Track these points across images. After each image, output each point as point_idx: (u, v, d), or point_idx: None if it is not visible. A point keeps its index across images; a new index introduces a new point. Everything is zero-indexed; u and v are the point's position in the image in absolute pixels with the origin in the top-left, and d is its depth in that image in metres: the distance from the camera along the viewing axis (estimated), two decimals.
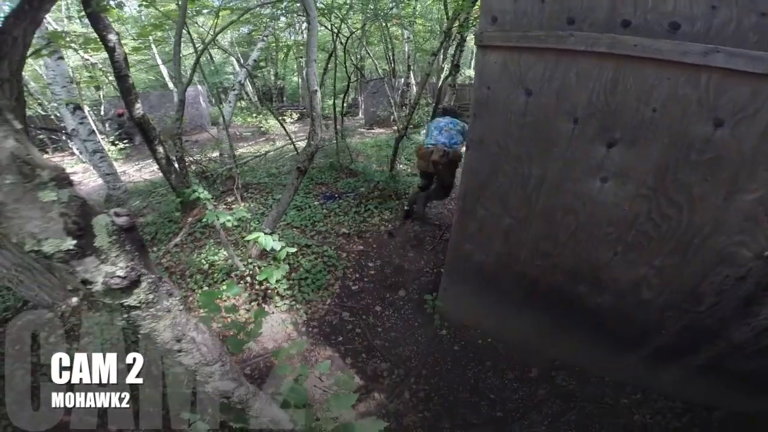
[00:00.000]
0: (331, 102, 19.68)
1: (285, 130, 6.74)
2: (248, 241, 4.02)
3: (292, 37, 13.02)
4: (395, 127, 12.20)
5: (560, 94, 2.17)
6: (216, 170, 6.57)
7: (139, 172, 8.52)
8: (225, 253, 4.20)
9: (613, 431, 2.52)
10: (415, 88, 11.59)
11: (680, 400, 2.57)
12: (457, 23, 5.98)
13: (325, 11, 6.18)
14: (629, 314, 2.49)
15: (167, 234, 4.61)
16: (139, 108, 4.52)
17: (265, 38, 7.66)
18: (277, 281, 3.64)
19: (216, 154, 7.66)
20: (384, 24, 7.92)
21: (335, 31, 6.79)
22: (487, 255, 2.99)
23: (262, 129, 11.64)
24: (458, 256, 3.19)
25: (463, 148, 4.08)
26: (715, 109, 1.79)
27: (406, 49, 11.60)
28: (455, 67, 6.78)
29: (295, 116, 11.70)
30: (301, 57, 15.32)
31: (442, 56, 11.93)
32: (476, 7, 5.81)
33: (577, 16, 1.95)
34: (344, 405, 1.80)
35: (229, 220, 3.40)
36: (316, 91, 3.72)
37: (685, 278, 2.17)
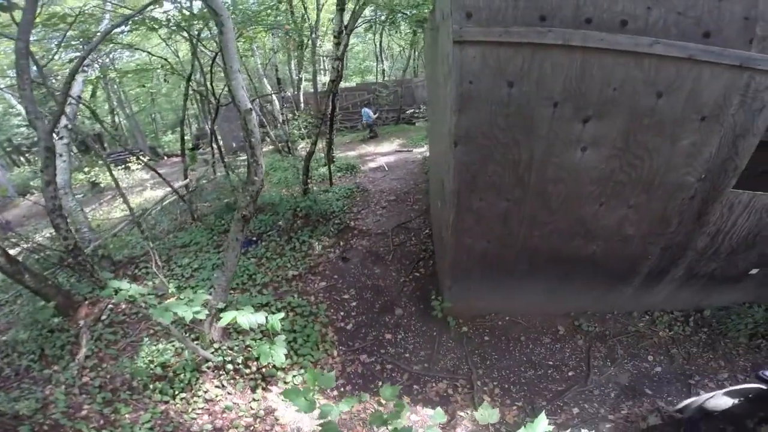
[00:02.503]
0: (171, 137, 17.36)
1: (166, 181, 5.74)
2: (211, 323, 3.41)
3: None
4: (267, 148, 11.68)
5: (539, 83, 2.64)
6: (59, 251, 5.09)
7: None
8: (172, 347, 3.43)
9: (654, 350, 3.28)
10: (277, 103, 11.33)
11: (676, 311, 3.52)
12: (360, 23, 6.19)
13: (183, 24, 5.51)
14: (618, 252, 3.24)
15: (61, 348, 3.50)
16: None
17: (86, 67, 6.21)
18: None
19: (52, 231, 5.90)
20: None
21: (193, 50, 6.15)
22: (489, 241, 3.35)
23: (102, 185, 9.41)
24: (459, 252, 3.45)
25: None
26: (655, 85, 2.54)
27: (258, 63, 11.19)
28: (339, 72, 6.95)
29: (140, 163, 9.82)
30: (128, 87, 13.03)
31: (296, 66, 12.02)
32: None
33: (548, 13, 2.42)
34: None
35: (197, 312, 2.78)
36: (250, 110, 3.29)
37: (655, 208, 2.99)
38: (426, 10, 6.26)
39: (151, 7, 4.28)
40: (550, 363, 3.37)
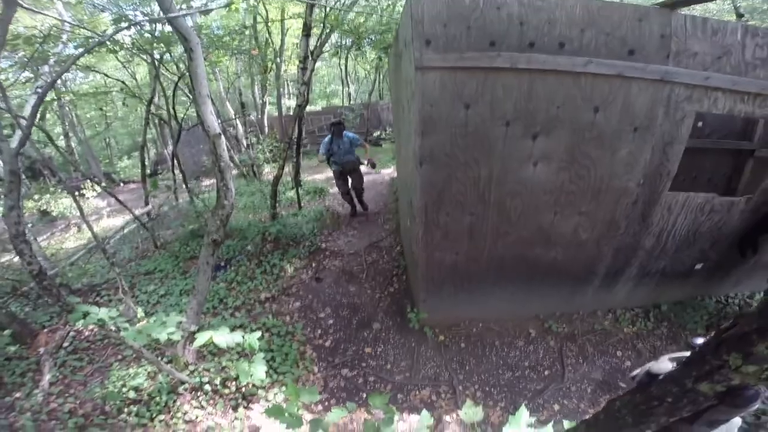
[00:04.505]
0: (127, 162, 16.97)
1: (127, 208, 5.71)
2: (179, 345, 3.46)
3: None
4: (233, 173, 11.70)
5: (492, 104, 2.99)
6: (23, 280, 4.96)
7: None
8: (144, 371, 3.45)
9: (622, 346, 3.63)
10: (241, 127, 11.47)
11: (636, 307, 3.91)
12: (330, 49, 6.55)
13: (145, 46, 5.66)
14: (576, 256, 3.59)
15: (21, 375, 3.51)
16: None
17: (38, 89, 6.12)
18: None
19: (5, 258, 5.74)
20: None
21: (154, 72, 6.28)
22: (457, 254, 3.63)
23: (53, 213, 9.07)
24: (430, 266, 3.70)
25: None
26: (592, 101, 2.95)
27: (221, 87, 11.35)
28: (304, 98, 7.22)
29: (95, 190, 9.59)
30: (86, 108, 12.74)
31: (260, 90, 12.27)
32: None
33: (497, 39, 2.79)
34: None
35: (172, 333, 2.88)
36: (219, 134, 3.47)
37: (604, 214, 3.38)
38: (390, 36, 6.74)
39: (123, 30, 4.40)
40: (526, 364, 3.63)
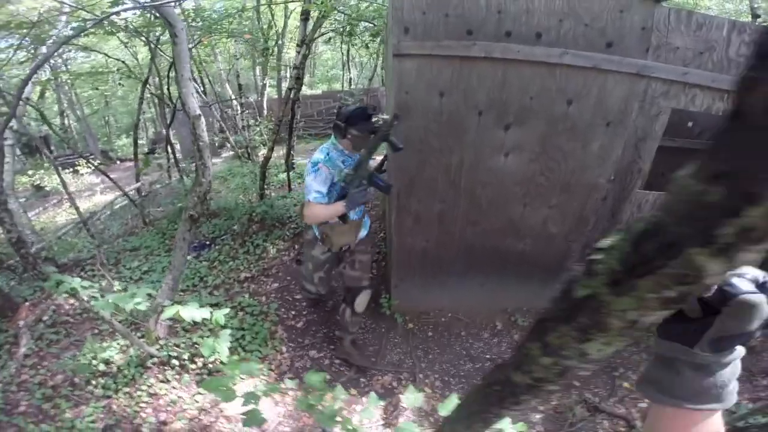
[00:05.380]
0: (126, 141, 17.06)
1: (116, 184, 5.78)
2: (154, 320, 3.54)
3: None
4: (228, 154, 11.75)
5: (466, 93, 3.01)
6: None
7: None
8: (117, 345, 3.54)
9: None
10: (238, 109, 11.45)
11: None
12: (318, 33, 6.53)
13: (142, 29, 5.67)
14: (545, 250, 3.62)
15: None
16: None
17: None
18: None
19: None
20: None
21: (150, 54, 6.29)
22: (428, 241, 3.67)
23: (47, 189, 9.21)
24: (402, 251, 3.75)
25: None
26: (566, 93, 2.95)
27: (221, 68, 11.33)
28: (299, 80, 7.20)
29: (89, 167, 9.70)
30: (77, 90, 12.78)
31: (260, 73, 12.23)
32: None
33: (474, 27, 2.79)
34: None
35: (138, 303, 2.96)
36: (198, 116, 3.55)
37: (574, 208, 3.40)
38: (381, 23, 6.69)
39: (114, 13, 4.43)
40: (488, 357, 3.68)
